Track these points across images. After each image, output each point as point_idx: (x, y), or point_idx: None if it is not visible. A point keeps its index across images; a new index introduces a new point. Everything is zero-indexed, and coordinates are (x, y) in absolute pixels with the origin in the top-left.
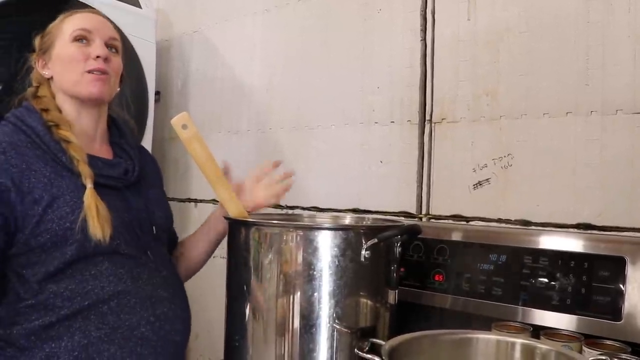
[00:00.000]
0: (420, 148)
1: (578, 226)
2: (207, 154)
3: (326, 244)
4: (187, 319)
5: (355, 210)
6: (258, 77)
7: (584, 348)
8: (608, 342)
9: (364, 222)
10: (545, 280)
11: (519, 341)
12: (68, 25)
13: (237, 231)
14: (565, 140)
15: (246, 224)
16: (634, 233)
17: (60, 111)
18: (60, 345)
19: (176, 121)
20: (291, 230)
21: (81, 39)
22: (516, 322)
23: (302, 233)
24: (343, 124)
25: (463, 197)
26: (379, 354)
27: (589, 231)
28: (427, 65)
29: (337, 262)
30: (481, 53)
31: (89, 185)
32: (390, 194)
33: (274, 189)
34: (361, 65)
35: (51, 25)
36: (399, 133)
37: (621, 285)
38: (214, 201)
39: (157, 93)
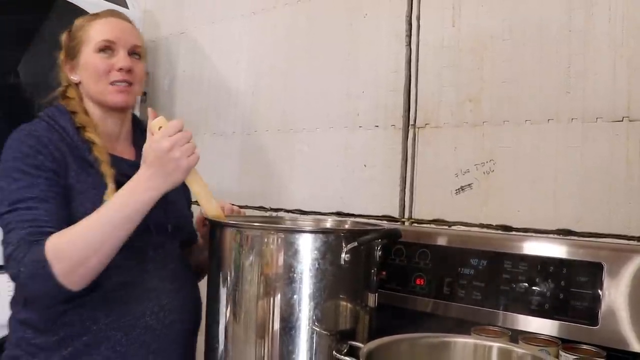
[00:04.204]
0: (404, 152)
1: (558, 232)
2: None
3: (306, 247)
4: (194, 309)
5: (338, 214)
6: (244, 79)
7: (561, 352)
8: (585, 346)
9: (345, 226)
10: (525, 285)
11: (496, 345)
12: (93, 32)
13: (218, 233)
14: (547, 147)
15: (228, 226)
16: (611, 239)
17: (87, 113)
18: (72, 330)
19: (154, 124)
20: (272, 232)
21: (105, 49)
22: (495, 326)
23: (282, 236)
24: (328, 128)
25: (445, 202)
26: (357, 357)
27: (568, 237)
28: (412, 70)
29: (317, 265)
30: (465, 59)
31: (111, 184)
32: (373, 198)
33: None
34: (346, 69)
35: (78, 26)
36: (383, 137)
37: (598, 291)
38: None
39: (144, 93)
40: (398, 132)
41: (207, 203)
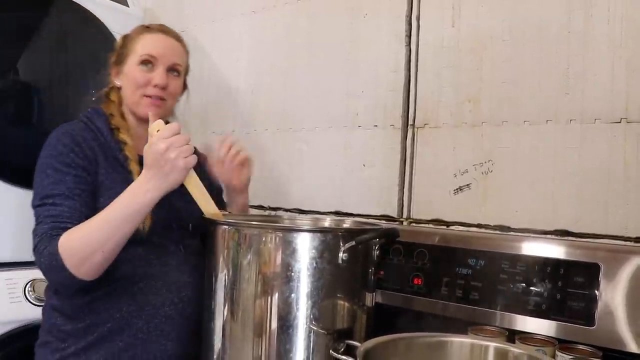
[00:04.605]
0: (403, 152)
1: (556, 233)
2: None
3: (304, 246)
4: None
5: (337, 213)
6: (244, 78)
7: (557, 352)
8: (581, 346)
9: (344, 225)
10: (522, 285)
11: (493, 345)
12: (140, 45)
13: (216, 231)
14: (545, 147)
15: (225, 225)
16: (608, 240)
17: (123, 117)
18: (98, 318)
19: (153, 127)
20: (270, 231)
21: (146, 62)
22: (492, 326)
23: (280, 235)
24: (327, 127)
25: (444, 202)
26: (354, 356)
27: (566, 238)
28: (411, 70)
29: (314, 264)
30: (465, 60)
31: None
32: (372, 198)
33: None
34: (346, 68)
35: (131, 35)
36: (382, 137)
37: (595, 291)
38: None
39: None
40: (397, 132)
41: (206, 204)
